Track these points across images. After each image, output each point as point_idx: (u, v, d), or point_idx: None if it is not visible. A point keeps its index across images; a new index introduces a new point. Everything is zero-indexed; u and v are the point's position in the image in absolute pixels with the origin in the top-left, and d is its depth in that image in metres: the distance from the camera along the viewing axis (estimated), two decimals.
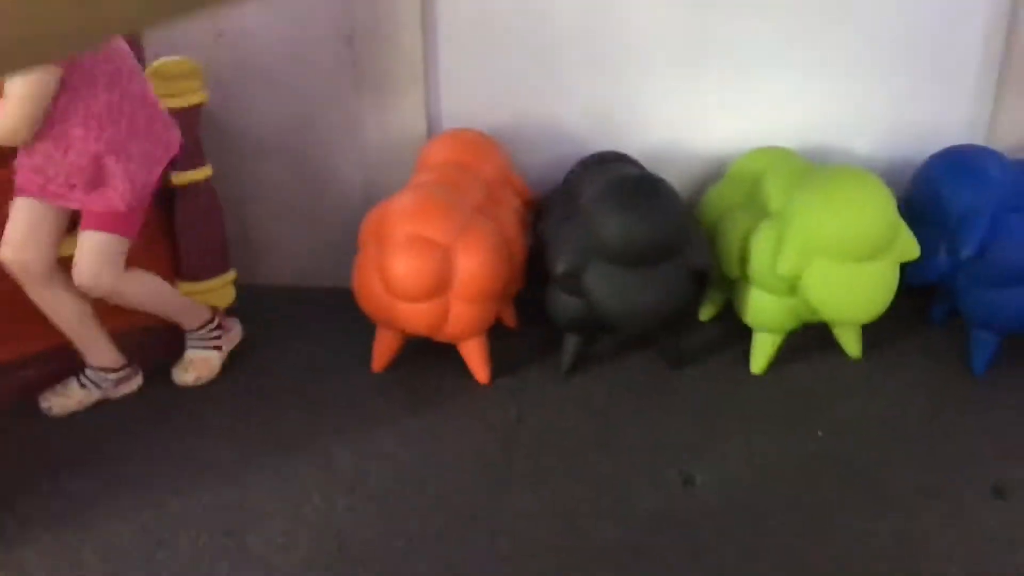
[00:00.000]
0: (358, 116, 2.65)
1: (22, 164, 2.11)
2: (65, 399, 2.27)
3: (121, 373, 2.32)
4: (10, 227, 2.09)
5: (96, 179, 2.10)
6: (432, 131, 2.64)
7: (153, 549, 1.87)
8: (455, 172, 2.39)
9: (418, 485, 2.05)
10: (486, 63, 2.60)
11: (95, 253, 2.12)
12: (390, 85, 2.60)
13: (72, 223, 2.17)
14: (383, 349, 2.41)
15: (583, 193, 2.26)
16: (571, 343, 2.38)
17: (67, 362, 2.28)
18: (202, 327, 2.40)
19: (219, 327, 2.43)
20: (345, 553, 1.86)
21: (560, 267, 2.22)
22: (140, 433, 2.21)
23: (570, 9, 2.55)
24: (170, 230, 2.43)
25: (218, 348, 2.42)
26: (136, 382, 2.36)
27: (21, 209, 2.11)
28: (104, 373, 2.29)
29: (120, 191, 2.11)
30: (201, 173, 2.42)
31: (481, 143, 2.53)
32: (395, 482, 2.06)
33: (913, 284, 2.38)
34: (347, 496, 2.01)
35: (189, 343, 2.40)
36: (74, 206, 2.13)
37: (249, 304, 2.62)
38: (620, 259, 2.18)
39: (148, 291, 2.26)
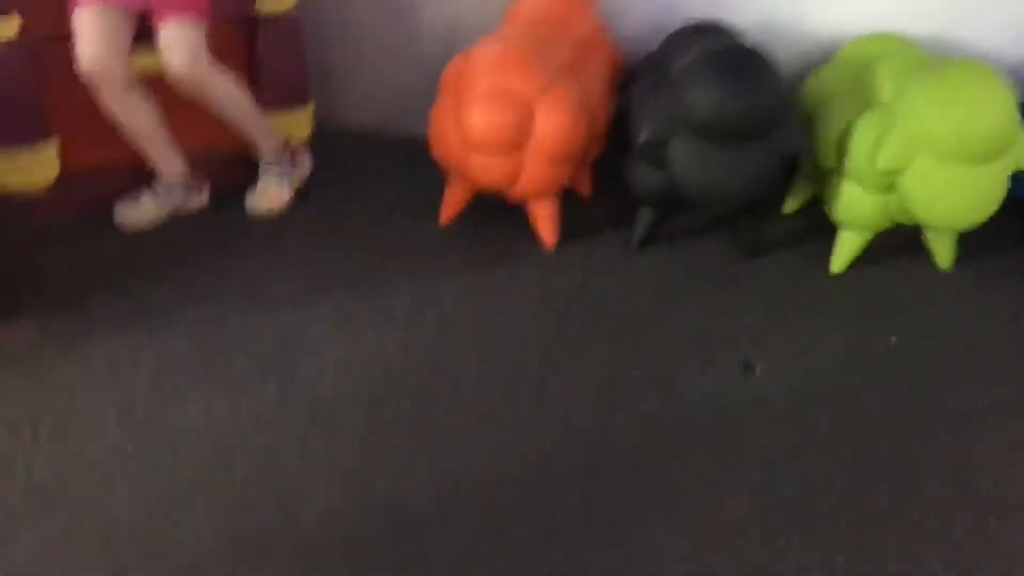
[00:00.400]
0: None
1: None
2: (138, 211, 2.30)
3: (189, 184, 2.35)
4: (83, 39, 2.07)
5: None
6: None
7: (209, 361, 1.91)
8: (544, 27, 2.28)
9: (470, 339, 2.04)
10: None
11: (184, 40, 2.11)
12: None
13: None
14: (453, 201, 2.37)
15: (676, 61, 2.14)
16: (645, 216, 2.30)
17: (141, 174, 2.31)
18: (277, 157, 2.40)
19: (293, 160, 2.42)
20: (390, 391, 1.87)
21: (643, 135, 2.12)
22: (208, 255, 2.25)
23: None
24: (251, 58, 2.40)
25: (291, 181, 2.42)
26: (203, 197, 2.39)
27: (90, 20, 2.08)
28: (173, 184, 2.32)
29: None
30: (287, 1, 2.37)
31: (576, 1, 2.41)
32: (448, 332, 2.05)
33: (1018, 198, 2.21)
34: (400, 337, 2.02)
35: (263, 172, 2.40)
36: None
37: (325, 144, 2.61)
38: (707, 134, 2.07)
39: (236, 93, 2.25)
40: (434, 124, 2.25)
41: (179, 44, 2.11)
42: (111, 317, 2.01)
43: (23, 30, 2.11)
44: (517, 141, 2.13)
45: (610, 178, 2.40)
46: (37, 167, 2.25)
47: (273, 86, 2.44)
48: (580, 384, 1.93)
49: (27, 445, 1.68)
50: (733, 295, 2.22)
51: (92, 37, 2.06)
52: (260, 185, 2.40)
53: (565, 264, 2.29)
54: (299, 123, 2.53)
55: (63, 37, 2.15)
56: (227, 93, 2.22)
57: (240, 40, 2.31)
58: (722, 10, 2.44)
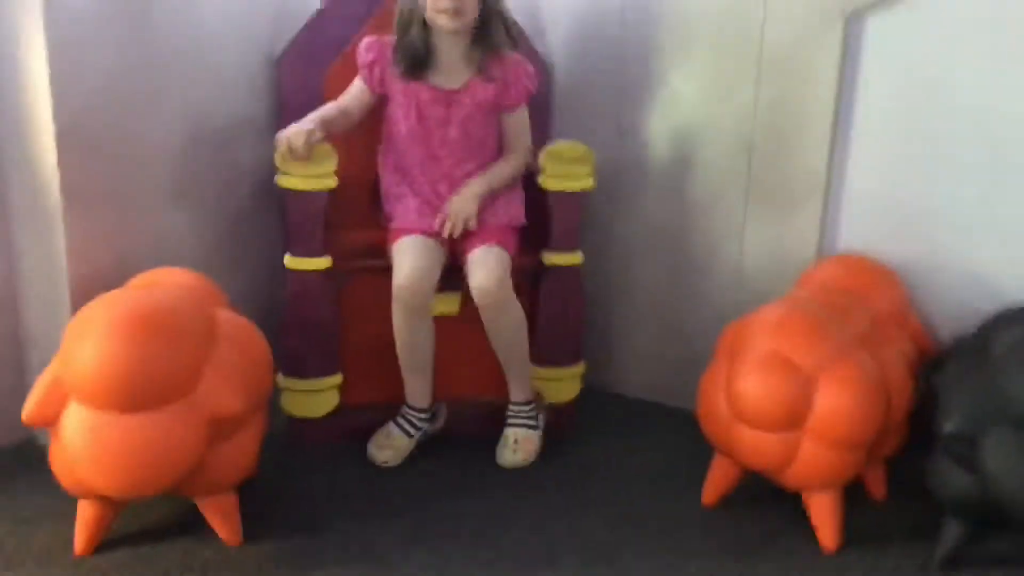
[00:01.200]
0: (743, 227, 2.46)
1: (402, 206, 2.32)
2: (388, 444, 2.31)
3: (429, 414, 2.36)
4: (407, 258, 2.20)
5: (510, 191, 2.37)
6: (822, 253, 2.36)
7: None
8: (838, 296, 2.08)
9: None
10: (899, 185, 2.26)
11: (495, 262, 2.20)
12: (784, 198, 2.38)
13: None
14: (717, 480, 2.12)
15: (996, 343, 1.83)
16: (952, 529, 1.89)
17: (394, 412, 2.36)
18: (527, 404, 2.36)
19: (540, 412, 2.40)
20: None
21: (949, 427, 1.78)
22: (444, 499, 2.15)
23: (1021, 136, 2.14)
24: (531, 308, 2.41)
25: (538, 428, 2.37)
26: (440, 423, 2.39)
27: (410, 244, 2.23)
28: (419, 414, 2.33)
29: (519, 203, 2.38)
30: (572, 258, 2.39)
31: (876, 272, 2.19)
32: None
33: None
34: None
35: (512, 420, 2.36)
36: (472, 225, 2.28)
37: (588, 404, 2.52)
38: None
39: (522, 328, 2.28)
40: (703, 390, 2.07)
41: (489, 262, 2.20)
42: (340, 549, 1.95)
43: (331, 268, 2.29)
44: (794, 418, 1.88)
45: (910, 477, 2.04)
46: (321, 399, 2.35)
47: (547, 342, 2.42)
48: None
49: None
50: None
51: (408, 257, 2.20)
52: (511, 434, 2.34)
53: (843, 573, 1.92)
54: (568, 382, 2.46)
55: (360, 276, 2.32)
56: (516, 325, 2.26)
57: (523, 288, 2.35)
58: None
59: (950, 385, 1.87)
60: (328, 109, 2.27)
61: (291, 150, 2.14)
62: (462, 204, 2.28)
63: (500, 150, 2.39)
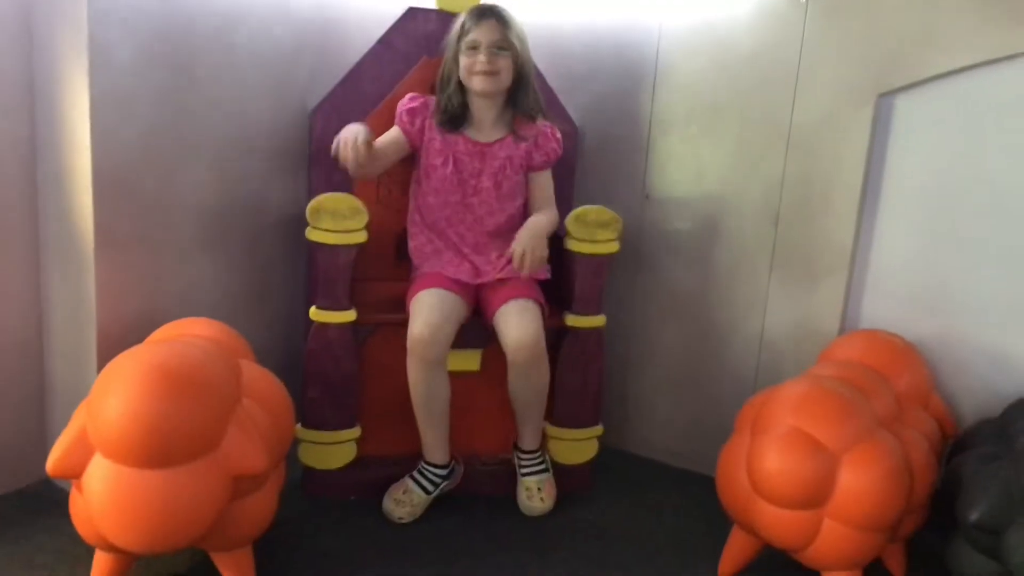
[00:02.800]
0: (766, 297, 2.47)
1: (435, 259, 2.36)
2: (405, 504, 2.30)
3: (447, 471, 2.36)
4: (424, 310, 2.20)
5: None
6: (845, 327, 2.37)
7: None
8: (862, 373, 2.08)
9: None
10: (925, 262, 2.28)
11: (531, 316, 2.22)
12: (809, 271, 2.39)
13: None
14: (734, 553, 2.11)
15: (1020, 432, 1.82)
16: None
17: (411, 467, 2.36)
18: (537, 450, 2.40)
19: (543, 451, 2.44)
20: None
21: (974, 514, 1.78)
22: (461, 562, 2.14)
23: None
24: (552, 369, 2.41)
25: (549, 470, 2.41)
26: (457, 480, 2.39)
27: (429, 296, 2.24)
28: (437, 469, 2.33)
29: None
30: (595, 321, 2.40)
31: (901, 350, 2.19)
32: None
33: None
34: None
35: (527, 469, 2.38)
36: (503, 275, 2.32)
37: (607, 466, 2.51)
38: None
39: (547, 381, 2.31)
40: (723, 463, 2.06)
41: (524, 316, 2.22)
42: None
43: (354, 321, 2.30)
44: (816, 497, 1.87)
45: (929, 560, 2.03)
46: (339, 451, 2.35)
47: (568, 399, 2.43)
48: None
49: None
50: None
51: (428, 309, 2.21)
52: (530, 482, 2.37)
53: None
54: (585, 444, 2.46)
55: (382, 329, 2.33)
56: (544, 380, 2.29)
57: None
58: None
59: (973, 472, 1.87)
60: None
61: (346, 145, 2.14)
62: (531, 238, 2.26)
63: (525, 206, 2.43)
